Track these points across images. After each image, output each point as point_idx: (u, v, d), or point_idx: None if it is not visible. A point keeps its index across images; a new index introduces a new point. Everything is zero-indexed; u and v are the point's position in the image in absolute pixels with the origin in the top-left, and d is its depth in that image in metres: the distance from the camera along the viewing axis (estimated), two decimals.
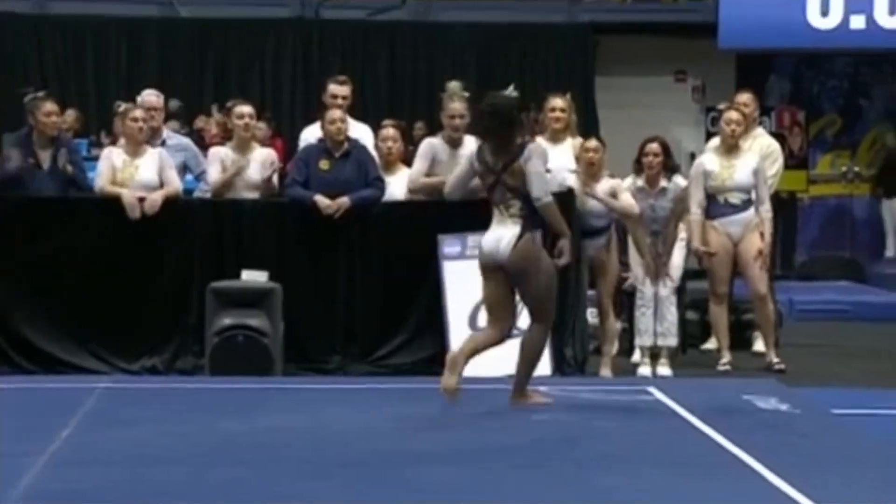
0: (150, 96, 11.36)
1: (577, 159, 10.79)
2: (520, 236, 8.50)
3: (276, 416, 8.36)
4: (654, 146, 10.81)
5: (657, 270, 10.68)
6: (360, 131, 11.08)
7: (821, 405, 8.93)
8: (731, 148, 11.04)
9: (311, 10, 17.97)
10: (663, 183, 10.77)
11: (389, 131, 10.94)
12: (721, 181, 10.96)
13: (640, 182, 10.84)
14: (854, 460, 7.34)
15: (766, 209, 10.99)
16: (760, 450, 7.28)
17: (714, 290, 11.12)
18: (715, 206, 10.99)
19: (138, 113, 10.73)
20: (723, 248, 10.96)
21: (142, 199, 10.34)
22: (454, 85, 11.52)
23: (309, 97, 16.81)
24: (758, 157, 11.13)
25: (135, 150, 10.63)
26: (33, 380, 9.95)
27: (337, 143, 10.64)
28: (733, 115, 11.12)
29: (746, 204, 10.96)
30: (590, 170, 10.60)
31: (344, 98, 11.05)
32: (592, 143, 10.78)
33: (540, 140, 11.01)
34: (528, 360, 8.71)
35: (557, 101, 11.10)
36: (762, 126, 12.83)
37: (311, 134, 11.09)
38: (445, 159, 10.60)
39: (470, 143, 10.61)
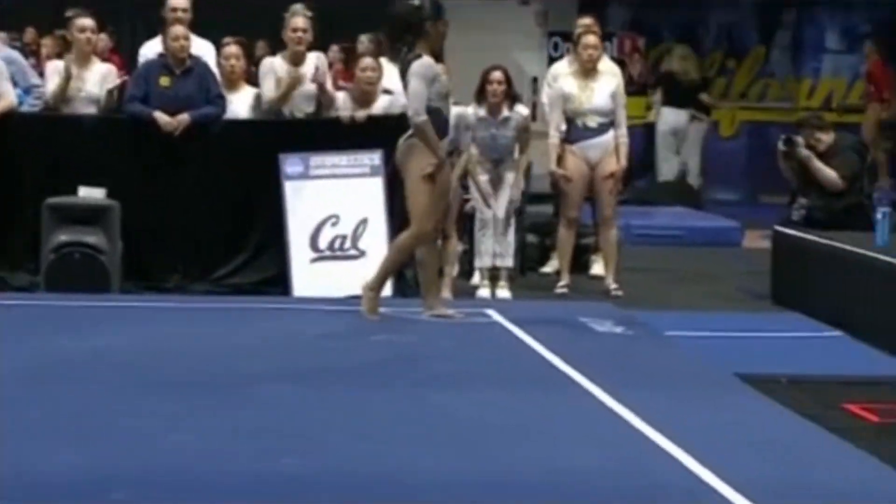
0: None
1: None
2: (407, 137, 8.87)
3: (112, 335, 8.29)
4: (498, 74, 10.83)
5: (492, 195, 10.72)
6: (202, 48, 10.95)
7: (655, 328, 9.11)
8: (588, 71, 11.12)
9: None
10: (506, 112, 10.80)
11: (232, 49, 10.83)
12: (579, 104, 11.04)
13: (482, 112, 10.86)
14: (682, 380, 7.54)
15: (623, 133, 11.11)
16: (593, 369, 7.43)
17: (566, 213, 11.22)
18: (574, 129, 11.08)
19: (85, 22, 10.50)
20: (579, 172, 11.05)
21: None
22: (297, 6, 11.40)
23: (149, 12, 16.49)
24: (617, 80, 11.23)
25: (84, 62, 10.41)
26: None
27: (179, 59, 10.50)
28: (591, 38, 11.20)
29: (604, 128, 11.05)
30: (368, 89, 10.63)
31: (184, 11, 10.87)
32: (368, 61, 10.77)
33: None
34: (385, 261, 9.05)
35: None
36: (604, 52, 12.94)
37: (150, 50, 10.93)
38: (285, 77, 10.54)
39: (311, 61, 10.55)
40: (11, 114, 10.35)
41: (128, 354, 7.76)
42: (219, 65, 10.74)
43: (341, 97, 10.76)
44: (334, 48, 14.70)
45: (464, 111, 10.76)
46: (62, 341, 8.05)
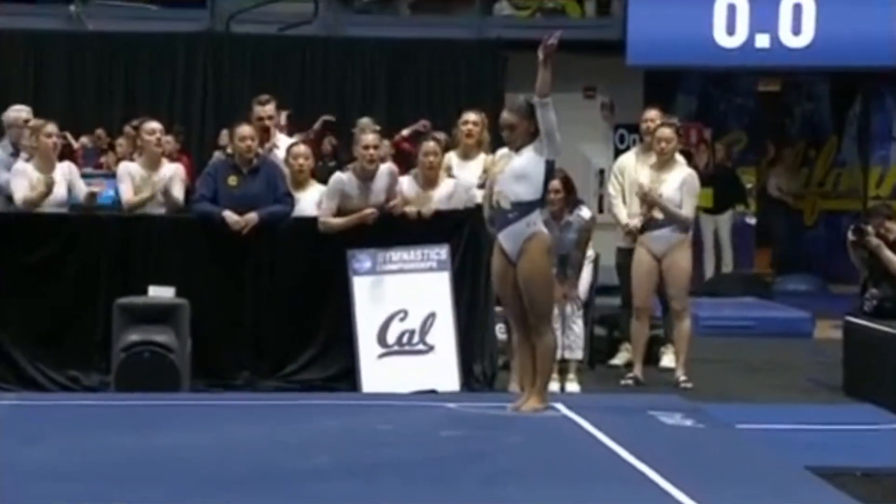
0: (20, 112, 11.26)
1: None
2: (528, 238, 9.01)
3: (181, 433, 8.32)
4: (555, 184, 10.80)
5: (564, 293, 10.69)
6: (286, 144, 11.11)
7: (725, 421, 9.03)
8: (663, 163, 11.16)
9: (221, 25, 17.91)
10: (567, 217, 10.81)
11: (300, 148, 10.93)
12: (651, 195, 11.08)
13: (545, 215, 10.90)
14: (755, 475, 7.44)
15: (687, 227, 11.15)
16: (664, 464, 7.36)
17: (636, 304, 11.22)
18: (644, 220, 11.14)
19: (51, 128, 10.66)
20: (647, 264, 11.07)
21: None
22: (365, 120, 11.53)
23: (219, 112, 16.75)
24: (687, 172, 11.26)
25: (47, 167, 10.56)
26: None
27: (246, 159, 10.62)
28: (666, 131, 11.25)
29: (670, 220, 11.08)
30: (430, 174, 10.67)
31: (269, 118, 11.05)
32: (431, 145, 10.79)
33: (452, 154, 11.08)
34: (542, 371, 9.16)
35: (470, 115, 11.17)
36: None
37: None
38: (356, 193, 10.57)
39: (383, 175, 10.60)
40: (85, 214, 10.48)
41: (195, 452, 7.78)
42: (287, 163, 10.84)
43: (406, 182, 10.81)
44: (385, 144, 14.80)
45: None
46: (131, 440, 8.09)
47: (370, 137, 10.68)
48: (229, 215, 10.43)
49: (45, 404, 9.57)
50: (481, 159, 11.02)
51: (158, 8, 18.21)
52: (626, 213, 11.50)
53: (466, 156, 11.01)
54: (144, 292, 10.26)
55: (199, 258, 10.54)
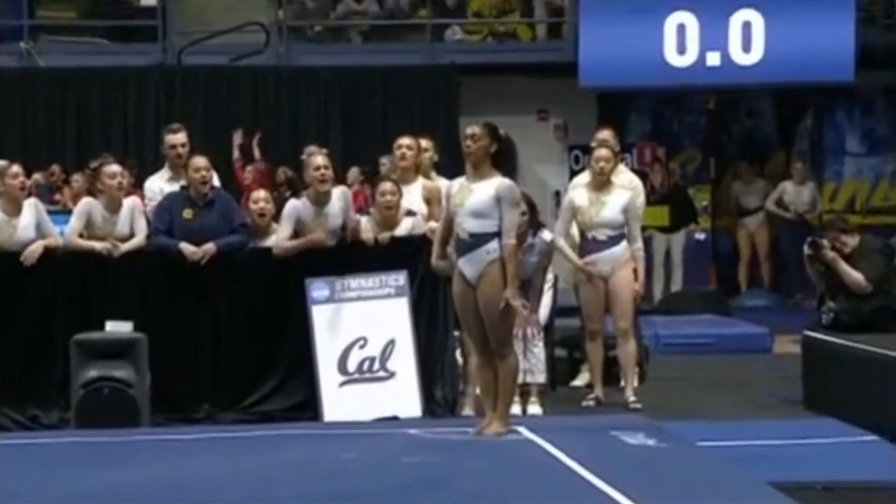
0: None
1: (427, 201, 10.86)
2: (489, 262, 9.02)
3: (142, 469, 8.28)
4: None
5: (526, 318, 10.67)
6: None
7: (687, 439, 9.03)
8: (601, 184, 11.18)
9: (172, 58, 17.86)
10: (531, 240, 10.81)
11: (260, 193, 10.91)
12: (589, 217, 11.10)
13: None
14: (718, 491, 7.45)
15: (639, 247, 11.17)
16: (627, 484, 7.36)
17: (588, 326, 11.25)
18: (585, 242, 11.15)
19: (16, 169, 10.56)
20: (594, 285, 11.09)
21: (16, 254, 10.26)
22: (312, 147, 11.54)
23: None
24: (629, 194, 11.27)
25: (13, 209, 10.47)
26: None
27: (201, 193, 10.59)
28: (603, 152, 11.28)
29: (613, 241, 11.09)
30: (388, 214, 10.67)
31: (182, 146, 10.97)
32: (387, 185, 10.79)
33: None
34: (504, 395, 9.14)
35: (404, 140, 11.16)
36: (624, 163, 13.04)
37: (155, 183, 11.03)
38: (311, 217, 10.55)
39: (337, 198, 10.59)
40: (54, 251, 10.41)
41: (157, 489, 7.74)
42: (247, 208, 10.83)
43: (364, 221, 10.81)
44: (354, 170, 14.82)
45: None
46: (91, 477, 8.03)
47: (319, 159, 10.65)
48: (186, 247, 10.39)
49: (5, 443, 9.48)
50: (419, 184, 11.00)
51: (109, 42, 18.14)
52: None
53: (404, 180, 10.98)
54: (102, 327, 10.19)
55: (156, 292, 10.50)
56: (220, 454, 8.81)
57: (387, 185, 10.79)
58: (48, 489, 7.72)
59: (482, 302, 8.91)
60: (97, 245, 10.45)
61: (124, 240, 10.55)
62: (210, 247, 10.40)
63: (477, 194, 8.91)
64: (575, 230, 11.36)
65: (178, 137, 11.02)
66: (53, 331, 10.31)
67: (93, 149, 13.28)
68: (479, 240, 8.90)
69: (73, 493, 7.60)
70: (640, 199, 11.77)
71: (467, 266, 8.96)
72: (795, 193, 18.18)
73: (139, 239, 10.58)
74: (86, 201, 10.95)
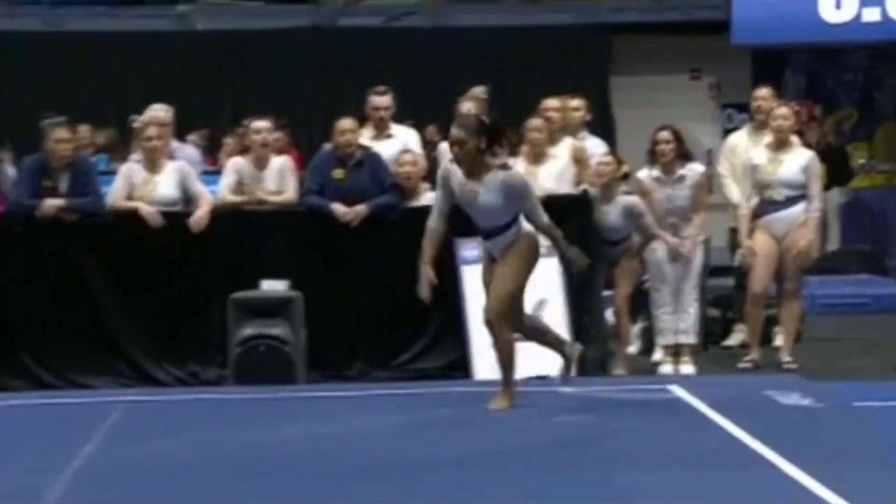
0: (158, 111, 11.30)
1: (576, 161, 10.78)
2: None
3: (299, 425, 8.34)
4: (665, 134, 10.74)
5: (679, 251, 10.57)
6: (406, 135, 11.20)
7: (842, 399, 8.85)
8: (780, 143, 10.93)
9: (328, 20, 17.95)
10: (680, 171, 10.68)
11: (407, 156, 10.90)
12: (767, 175, 10.84)
13: (656, 172, 10.78)
14: (875, 453, 7.27)
15: (816, 208, 10.89)
16: (782, 445, 7.22)
17: (753, 289, 10.96)
18: (761, 203, 10.88)
19: (153, 129, 10.70)
20: (766, 248, 10.84)
21: (173, 215, 10.33)
22: (479, 89, 11.60)
23: (327, 106, 16.77)
24: (809, 153, 11.00)
25: (153, 166, 10.60)
26: (56, 395, 9.92)
27: (348, 153, 10.61)
28: (783, 110, 11.02)
29: (791, 201, 10.82)
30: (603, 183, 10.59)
31: (386, 108, 11.07)
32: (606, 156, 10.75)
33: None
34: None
35: (550, 102, 11.12)
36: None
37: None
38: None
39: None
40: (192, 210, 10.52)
41: (315, 444, 7.78)
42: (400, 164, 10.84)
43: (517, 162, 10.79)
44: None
45: (632, 200, 10.69)
46: (248, 432, 8.12)
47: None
48: (338, 207, 10.43)
49: (165, 400, 9.64)
50: (567, 143, 10.93)
51: (266, 5, 18.30)
52: (738, 192, 11.26)
53: (551, 141, 10.90)
54: (257, 286, 10.28)
55: (311, 251, 10.55)
56: (373, 411, 8.84)
57: (535, 122, 10.75)
58: (207, 444, 7.81)
59: (501, 262, 8.60)
60: (242, 199, 10.53)
61: (273, 194, 10.62)
62: (362, 208, 10.45)
63: (482, 197, 8.54)
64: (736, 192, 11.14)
65: (382, 100, 11.09)
66: (211, 290, 10.41)
67: (248, 111, 13.35)
68: (499, 230, 8.61)
69: (230, 450, 7.67)
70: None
71: (493, 248, 8.68)
72: None
73: (285, 196, 10.61)
74: (234, 160, 11.05)
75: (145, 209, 10.36)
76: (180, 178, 10.60)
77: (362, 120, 11.10)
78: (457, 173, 8.59)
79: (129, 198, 10.51)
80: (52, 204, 10.28)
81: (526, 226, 8.59)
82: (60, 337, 10.30)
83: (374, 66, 17.26)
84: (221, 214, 10.58)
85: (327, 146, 11.17)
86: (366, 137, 11.03)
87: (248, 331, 10.06)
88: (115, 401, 9.31)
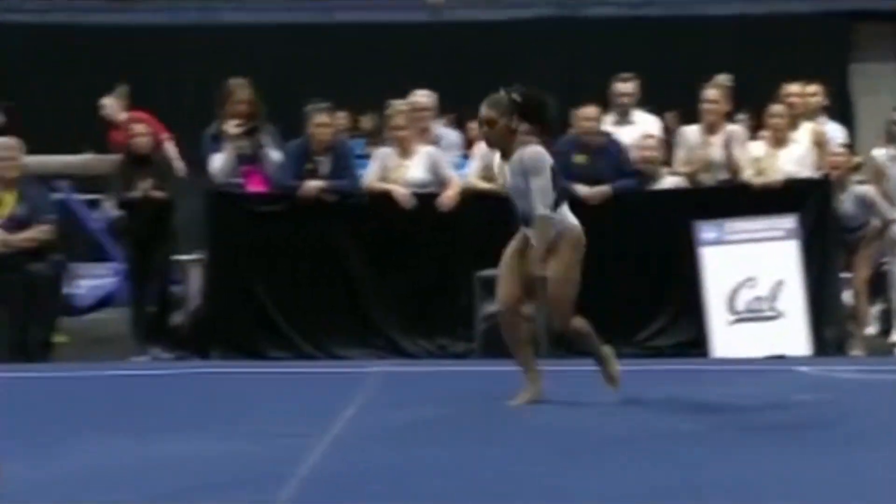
0: (421, 97, 11.54)
1: (816, 144, 10.66)
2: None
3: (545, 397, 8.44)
4: None
5: None
6: (647, 121, 11.33)
7: None
8: None
9: (570, 10, 18.02)
10: None
11: (650, 141, 10.91)
12: None
13: (893, 150, 10.60)
14: None
15: None
16: None
17: None
18: None
19: (401, 118, 10.93)
20: None
21: (424, 196, 10.58)
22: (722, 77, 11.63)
23: (569, 93, 16.82)
24: None
25: (404, 151, 10.85)
26: (315, 364, 10.25)
27: (590, 139, 10.71)
28: None
29: None
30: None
31: (629, 95, 11.29)
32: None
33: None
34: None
35: (791, 87, 11.00)
36: None
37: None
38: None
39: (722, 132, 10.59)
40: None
41: (567, 414, 7.91)
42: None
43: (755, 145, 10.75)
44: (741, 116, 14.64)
45: (865, 189, 10.53)
46: (494, 404, 8.24)
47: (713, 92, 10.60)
48: (582, 189, 10.52)
49: (418, 370, 9.88)
50: (807, 128, 10.79)
51: None
52: None
53: (792, 126, 10.84)
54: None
55: None
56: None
57: (777, 108, 10.67)
58: (460, 416, 7.96)
59: (550, 273, 8.00)
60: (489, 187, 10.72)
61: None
62: (606, 189, 10.55)
63: (512, 178, 8.00)
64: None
65: (626, 87, 11.37)
66: (458, 268, 10.61)
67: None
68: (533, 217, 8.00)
69: (483, 419, 7.81)
70: None
71: (533, 236, 8.08)
72: None
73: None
74: (482, 146, 11.17)
75: (398, 191, 10.62)
76: (431, 163, 10.83)
77: (604, 106, 11.18)
78: (496, 158, 8.15)
79: (383, 180, 10.79)
80: (313, 185, 10.63)
81: (569, 218, 8.03)
82: (319, 311, 10.64)
83: (616, 55, 17.27)
84: (469, 197, 10.77)
85: (570, 132, 11.27)
86: (608, 123, 11.11)
87: (494, 307, 10.22)
88: (370, 370, 9.59)
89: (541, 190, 7.83)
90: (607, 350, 8.27)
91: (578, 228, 8.01)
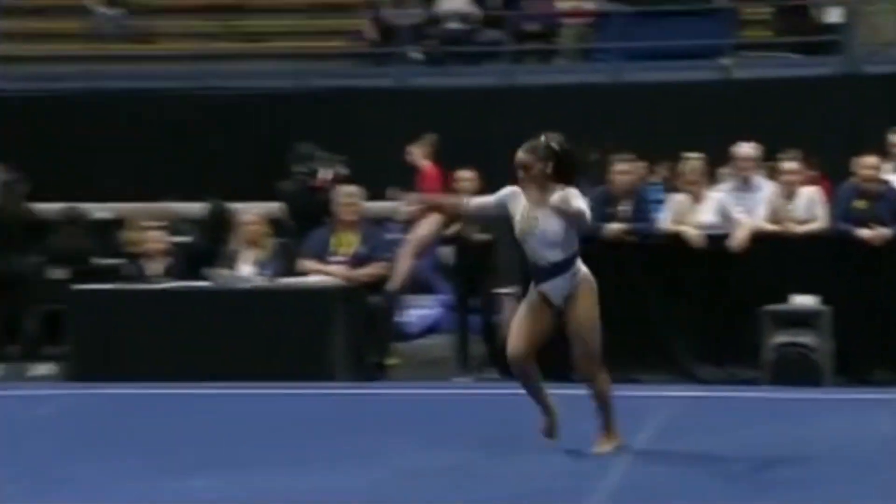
0: (745, 148, 11.94)
1: None
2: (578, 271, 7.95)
3: (823, 423, 9.02)
4: None
5: None
6: None
7: None
8: None
9: (853, 67, 18.32)
10: None
11: None
12: None
13: None
14: None
15: None
16: None
17: None
18: None
19: (694, 175, 11.56)
20: None
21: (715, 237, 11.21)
22: None
23: (850, 143, 17.08)
24: None
25: (696, 197, 11.54)
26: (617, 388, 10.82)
27: (870, 187, 11.20)
28: None
29: None
30: None
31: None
32: None
33: None
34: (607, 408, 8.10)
35: None
36: None
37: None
38: None
39: None
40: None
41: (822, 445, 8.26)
42: None
43: None
44: None
45: None
46: (781, 428, 8.83)
47: None
48: (864, 232, 11.03)
49: (707, 396, 10.46)
50: None
51: (798, 56, 18.94)
52: None
53: None
54: (787, 300, 11.06)
55: (840, 269, 11.17)
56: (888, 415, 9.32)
57: None
58: (737, 438, 8.43)
59: (575, 323, 7.73)
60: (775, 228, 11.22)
61: (801, 223, 11.31)
62: (886, 231, 11.02)
63: (544, 223, 7.66)
64: None
65: None
66: (747, 302, 11.15)
67: (777, 148, 13.93)
68: (562, 266, 7.72)
69: (761, 442, 8.31)
70: None
71: (551, 290, 7.75)
72: None
73: (815, 224, 11.26)
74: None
75: (689, 232, 11.31)
76: (719, 207, 11.50)
77: (883, 155, 11.67)
78: (523, 199, 7.75)
79: (677, 223, 11.51)
80: (615, 227, 11.41)
81: (583, 268, 7.79)
82: (622, 338, 11.30)
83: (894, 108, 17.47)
84: (757, 237, 11.35)
85: (851, 180, 11.77)
86: (887, 172, 11.60)
87: (781, 338, 10.88)
88: (667, 395, 10.24)
89: (586, 207, 7.63)
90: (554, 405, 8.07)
91: (590, 276, 7.84)
